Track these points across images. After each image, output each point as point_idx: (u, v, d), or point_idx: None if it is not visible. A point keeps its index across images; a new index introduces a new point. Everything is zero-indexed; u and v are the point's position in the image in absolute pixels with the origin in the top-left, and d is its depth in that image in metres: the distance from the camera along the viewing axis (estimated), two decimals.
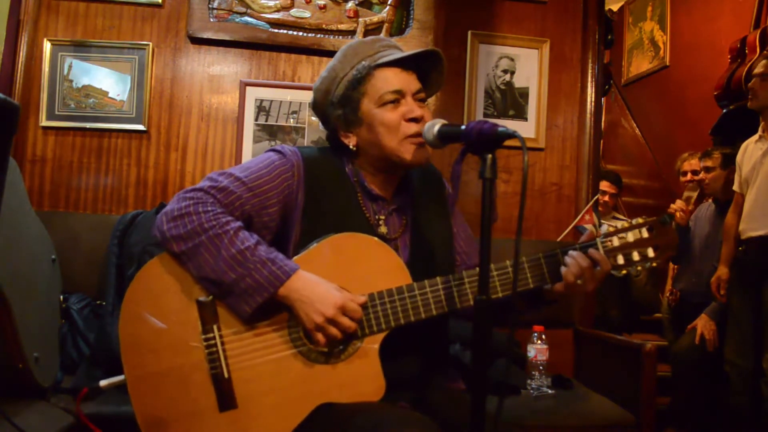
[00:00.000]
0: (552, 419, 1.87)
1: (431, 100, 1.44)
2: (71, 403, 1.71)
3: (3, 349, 1.53)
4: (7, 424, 1.40)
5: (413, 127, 1.24)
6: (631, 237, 1.23)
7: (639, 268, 1.23)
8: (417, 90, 1.28)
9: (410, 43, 2.46)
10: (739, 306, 2.62)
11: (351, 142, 1.30)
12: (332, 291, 1.15)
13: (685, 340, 2.89)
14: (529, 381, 2.05)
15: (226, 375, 1.16)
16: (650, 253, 1.23)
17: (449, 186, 1.41)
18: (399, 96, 1.25)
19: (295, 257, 1.21)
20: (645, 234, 1.23)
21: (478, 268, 1.19)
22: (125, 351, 1.18)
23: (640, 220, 1.24)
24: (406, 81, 1.27)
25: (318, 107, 1.35)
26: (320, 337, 1.14)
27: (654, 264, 1.24)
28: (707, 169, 3.04)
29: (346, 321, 1.14)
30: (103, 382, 1.22)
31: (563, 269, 1.19)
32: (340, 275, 1.19)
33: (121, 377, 1.19)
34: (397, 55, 1.27)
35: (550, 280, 1.21)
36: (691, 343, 2.82)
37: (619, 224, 1.25)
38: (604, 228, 1.27)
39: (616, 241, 1.23)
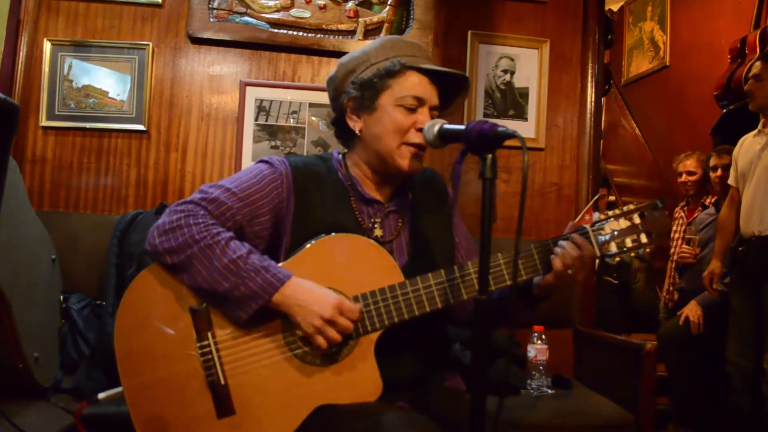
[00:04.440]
0: (552, 419, 1.87)
1: None
2: (71, 403, 1.71)
3: (3, 349, 1.53)
4: (7, 424, 1.40)
5: (418, 137, 1.25)
6: (623, 224, 1.22)
7: (632, 254, 1.23)
8: (435, 105, 1.29)
9: None
10: (740, 306, 2.62)
11: (357, 126, 1.31)
12: (328, 293, 1.16)
13: (672, 321, 2.99)
14: (529, 381, 2.05)
15: (222, 382, 1.16)
16: (643, 238, 1.22)
17: (452, 194, 1.41)
18: (419, 104, 1.27)
19: (286, 260, 1.22)
20: (637, 220, 1.23)
21: (469, 263, 1.20)
22: (121, 362, 1.18)
23: (632, 207, 1.24)
24: (430, 93, 1.28)
25: (334, 81, 1.35)
26: (321, 340, 1.14)
27: (647, 249, 1.23)
28: (726, 167, 3.01)
29: (344, 321, 1.14)
30: (101, 395, 1.22)
31: (553, 257, 1.19)
32: (331, 276, 1.19)
33: (118, 389, 1.19)
34: (433, 66, 1.29)
35: (543, 271, 1.21)
36: (675, 324, 2.91)
37: (611, 212, 1.24)
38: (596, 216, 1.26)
39: (607, 229, 1.22)
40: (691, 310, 2.88)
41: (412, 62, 1.28)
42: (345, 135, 1.35)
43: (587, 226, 1.23)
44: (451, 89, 1.34)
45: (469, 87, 1.34)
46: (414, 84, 1.27)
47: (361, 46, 1.36)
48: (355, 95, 1.29)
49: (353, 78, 1.30)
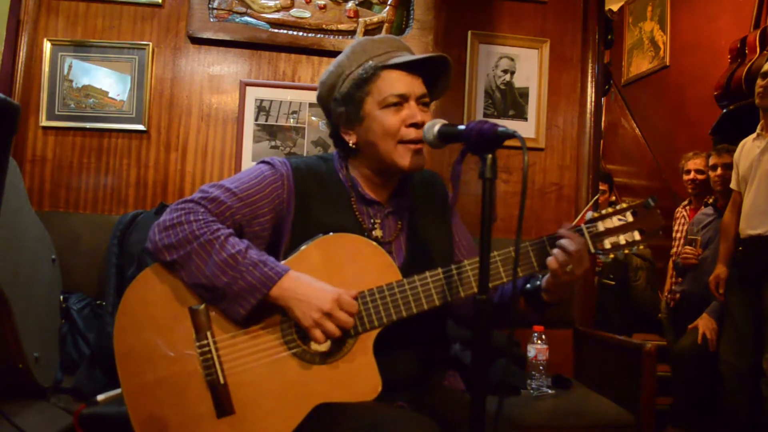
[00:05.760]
0: (552, 419, 1.87)
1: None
2: (71, 403, 1.71)
3: (3, 349, 1.53)
4: (7, 424, 1.40)
5: (412, 133, 1.24)
6: (616, 222, 1.23)
7: (626, 251, 1.24)
8: (421, 95, 1.28)
9: (410, 44, 2.44)
10: (737, 305, 2.61)
11: (351, 139, 1.30)
12: (326, 287, 1.16)
13: (687, 340, 2.88)
14: (529, 381, 2.05)
15: (221, 381, 1.16)
16: (636, 236, 1.23)
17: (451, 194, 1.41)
18: (402, 100, 1.25)
19: (284, 260, 1.22)
20: (630, 218, 1.24)
21: (466, 262, 1.20)
22: (120, 362, 1.18)
23: (624, 205, 1.25)
24: (411, 85, 1.27)
25: (322, 100, 1.35)
26: (319, 333, 1.14)
27: (641, 247, 1.25)
28: (726, 166, 2.99)
29: (343, 315, 1.14)
30: (100, 397, 1.23)
31: (549, 259, 1.18)
32: (329, 275, 1.19)
33: (117, 390, 1.19)
34: (405, 58, 1.27)
35: (539, 268, 1.21)
36: (692, 343, 2.82)
37: (604, 211, 1.25)
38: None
39: (600, 227, 1.23)
40: (707, 327, 2.78)
41: (383, 61, 1.27)
42: (344, 147, 1.34)
43: (582, 224, 1.23)
44: (437, 72, 1.32)
45: (451, 65, 1.31)
46: (392, 82, 1.26)
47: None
48: (341, 111, 1.29)
49: (335, 94, 1.30)
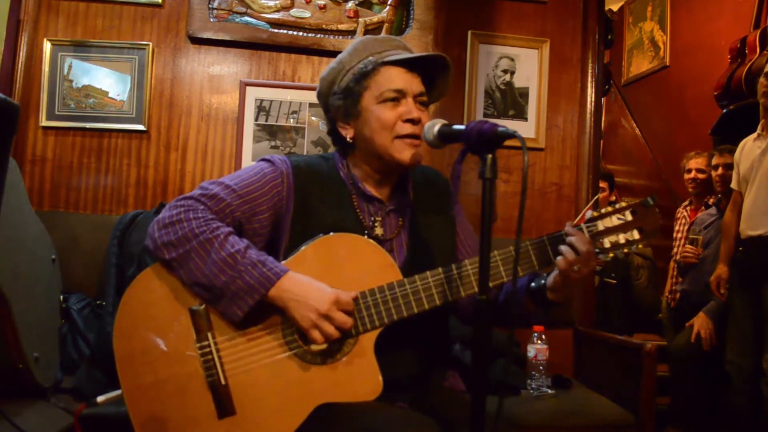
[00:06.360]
0: (552, 419, 1.87)
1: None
2: (71, 404, 1.71)
3: (3, 349, 1.53)
4: (7, 424, 1.40)
5: (407, 128, 1.25)
6: (615, 221, 1.24)
7: (625, 250, 1.24)
8: (419, 92, 1.29)
9: (410, 44, 2.44)
10: (740, 306, 2.62)
11: (348, 134, 1.32)
12: (324, 288, 1.15)
13: (682, 338, 2.90)
14: (529, 381, 2.05)
15: (222, 382, 1.16)
16: (635, 235, 1.23)
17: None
18: (399, 95, 1.26)
19: (284, 260, 1.22)
20: (629, 217, 1.24)
21: (467, 261, 1.20)
22: (120, 363, 1.18)
23: (623, 204, 1.25)
24: (409, 82, 1.28)
25: (322, 96, 1.37)
26: (317, 334, 1.13)
27: (640, 246, 1.25)
28: (727, 166, 3.00)
29: (341, 316, 1.14)
30: (100, 398, 1.22)
31: (558, 259, 1.18)
32: (330, 276, 1.19)
33: (118, 392, 1.19)
34: (405, 55, 1.29)
35: (539, 267, 1.22)
36: (687, 341, 2.83)
37: (603, 210, 1.25)
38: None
39: (600, 226, 1.23)
40: (702, 326, 2.79)
41: (383, 57, 1.28)
42: (342, 143, 1.35)
43: (582, 224, 1.23)
44: (436, 72, 1.33)
45: (449, 65, 1.32)
46: (390, 77, 1.27)
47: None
48: (339, 104, 1.31)
49: (334, 89, 1.32)
